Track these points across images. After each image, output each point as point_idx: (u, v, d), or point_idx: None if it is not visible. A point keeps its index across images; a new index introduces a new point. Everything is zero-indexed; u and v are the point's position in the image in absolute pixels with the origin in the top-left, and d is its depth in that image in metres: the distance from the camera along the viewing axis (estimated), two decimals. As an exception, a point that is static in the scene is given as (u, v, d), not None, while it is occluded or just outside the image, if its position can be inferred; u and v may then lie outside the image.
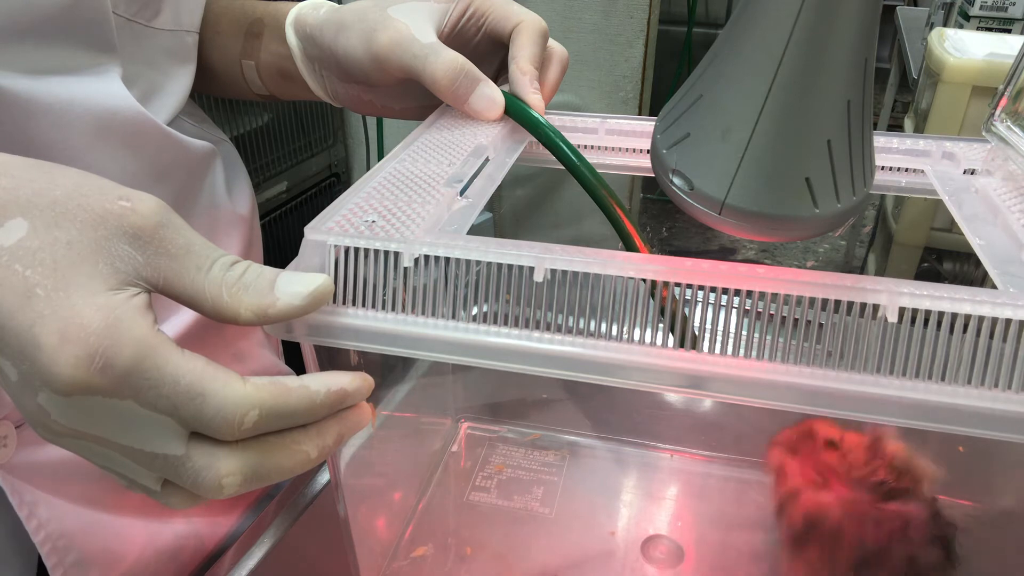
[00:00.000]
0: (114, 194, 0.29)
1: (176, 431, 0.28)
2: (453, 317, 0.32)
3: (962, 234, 0.36)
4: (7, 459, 0.41)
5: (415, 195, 0.36)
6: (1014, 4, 1.47)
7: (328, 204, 0.35)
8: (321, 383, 0.31)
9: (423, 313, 0.32)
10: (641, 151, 0.46)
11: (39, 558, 0.43)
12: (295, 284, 0.30)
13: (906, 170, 0.43)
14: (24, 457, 0.41)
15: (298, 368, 0.41)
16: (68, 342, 0.26)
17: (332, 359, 0.35)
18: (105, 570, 0.45)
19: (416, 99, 0.50)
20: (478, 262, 0.31)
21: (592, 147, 0.46)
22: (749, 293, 0.29)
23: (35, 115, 0.39)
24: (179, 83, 0.49)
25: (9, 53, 0.38)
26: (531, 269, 0.31)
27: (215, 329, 0.51)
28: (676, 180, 0.35)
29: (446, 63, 0.43)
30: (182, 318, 0.47)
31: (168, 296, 0.30)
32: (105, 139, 0.42)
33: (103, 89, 0.42)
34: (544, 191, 1.46)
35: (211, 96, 0.74)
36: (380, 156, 1.35)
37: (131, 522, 0.47)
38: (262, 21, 0.52)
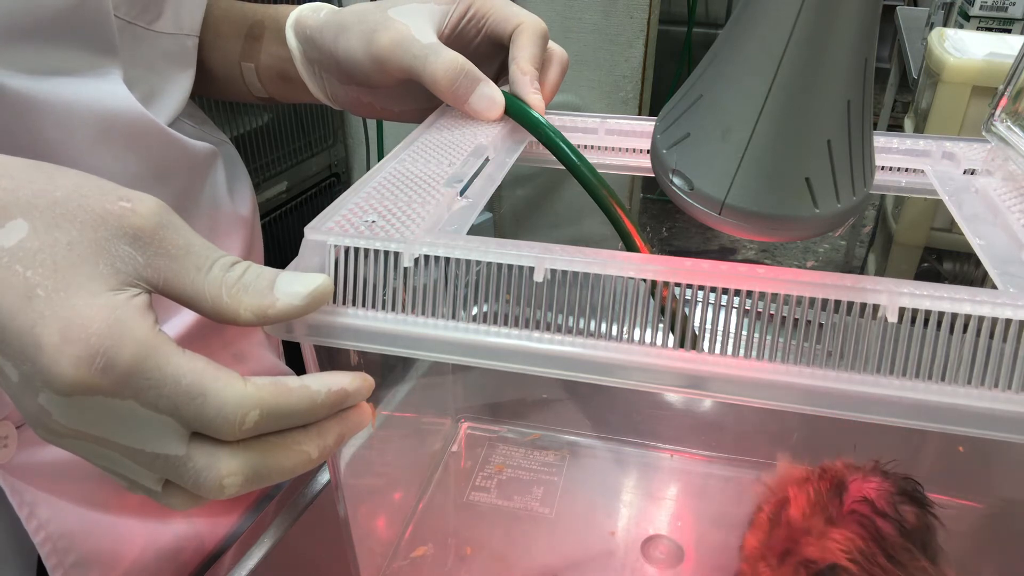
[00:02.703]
0: (114, 195, 0.29)
1: (177, 431, 0.28)
2: (453, 317, 0.32)
3: (962, 234, 0.36)
4: (7, 459, 0.41)
5: (415, 195, 0.36)
6: (1014, 4, 1.47)
7: (328, 204, 0.35)
8: (322, 383, 0.31)
9: (423, 313, 0.32)
10: (641, 151, 0.46)
11: (39, 558, 0.43)
12: (295, 284, 0.30)
13: (906, 170, 0.43)
14: (24, 457, 0.41)
15: (298, 368, 0.41)
16: (69, 342, 0.26)
17: (332, 359, 0.35)
18: (105, 570, 0.45)
19: (416, 101, 0.50)
20: (478, 262, 0.31)
21: (592, 147, 0.46)
22: (749, 293, 0.29)
23: (38, 115, 0.39)
24: (179, 87, 0.49)
25: (12, 53, 0.38)
26: (531, 269, 0.31)
27: (215, 330, 0.51)
28: (676, 180, 0.35)
29: (446, 63, 0.43)
30: (183, 318, 0.47)
31: (168, 297, 0.30)
32: (107, 140, 0.42)
33: (105, 90, 0.42)
34: (544, 191, 1.46)
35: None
36: (380, 156, 1.35)
37: (131, 522, 0.47)
38: (262, 24, 0.52)
